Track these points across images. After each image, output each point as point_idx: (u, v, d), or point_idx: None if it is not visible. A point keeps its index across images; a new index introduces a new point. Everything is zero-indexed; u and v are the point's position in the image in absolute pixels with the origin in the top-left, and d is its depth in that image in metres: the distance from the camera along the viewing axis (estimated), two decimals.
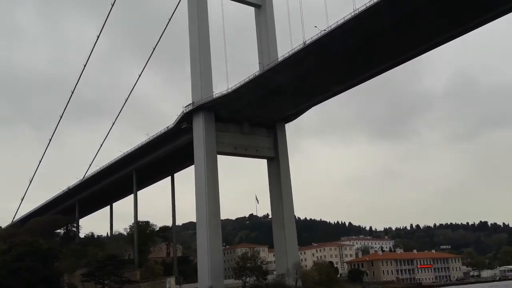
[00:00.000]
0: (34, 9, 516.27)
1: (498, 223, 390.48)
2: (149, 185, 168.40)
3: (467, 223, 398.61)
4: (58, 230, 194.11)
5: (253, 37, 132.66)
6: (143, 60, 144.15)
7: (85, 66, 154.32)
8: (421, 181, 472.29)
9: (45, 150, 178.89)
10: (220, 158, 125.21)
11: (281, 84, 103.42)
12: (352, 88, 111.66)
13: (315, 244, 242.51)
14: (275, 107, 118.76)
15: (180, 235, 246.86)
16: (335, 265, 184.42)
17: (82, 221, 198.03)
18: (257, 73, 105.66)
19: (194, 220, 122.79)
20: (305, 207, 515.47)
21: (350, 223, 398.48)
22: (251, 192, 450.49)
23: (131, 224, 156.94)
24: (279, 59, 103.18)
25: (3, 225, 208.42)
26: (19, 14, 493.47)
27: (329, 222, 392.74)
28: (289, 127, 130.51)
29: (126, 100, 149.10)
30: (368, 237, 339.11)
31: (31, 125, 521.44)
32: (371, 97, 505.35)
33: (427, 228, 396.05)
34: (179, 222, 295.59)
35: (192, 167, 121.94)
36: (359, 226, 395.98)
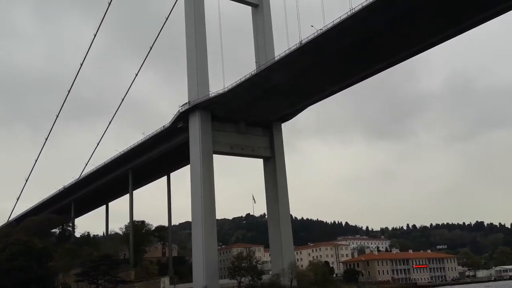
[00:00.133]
0: (31, 8, 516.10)
1: (494, 223, 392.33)
2: (145, 184, 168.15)
3: (464, 223, 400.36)
4: (54, 230, 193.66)
5: (250, 37, 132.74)
6: (140, 60, 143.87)
7: (81, 65, 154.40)
8: (418, 181, 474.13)
9: (41, 150, 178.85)
10: (219, 158, 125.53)
11: (277, 83, 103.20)
12: (350, 88, 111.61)
13: (311, 244, 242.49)
14: (271, 107, 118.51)
15: (176, 235, 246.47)
16: (331, 265, 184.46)
17: (78, 221, 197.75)
18: (253, 73, 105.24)
19: (190, 220, 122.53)
20: (302, 207, 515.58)
21: (346, 223, 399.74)
22: (248, 192, 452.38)
23: (126, 223, 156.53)
24: (275, 59, 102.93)
25: None
26: (16, 14, 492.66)
27: (326, 222, 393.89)
28: (286, 126, 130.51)
29: (122, 100, 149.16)
30: (364, 237, 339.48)
31: (28, 125, 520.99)
32: (369, 97, 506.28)
33: (424, 228, 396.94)
34: (175, 221, 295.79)
35: (189, 166, 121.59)
36: (355, 226, 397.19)
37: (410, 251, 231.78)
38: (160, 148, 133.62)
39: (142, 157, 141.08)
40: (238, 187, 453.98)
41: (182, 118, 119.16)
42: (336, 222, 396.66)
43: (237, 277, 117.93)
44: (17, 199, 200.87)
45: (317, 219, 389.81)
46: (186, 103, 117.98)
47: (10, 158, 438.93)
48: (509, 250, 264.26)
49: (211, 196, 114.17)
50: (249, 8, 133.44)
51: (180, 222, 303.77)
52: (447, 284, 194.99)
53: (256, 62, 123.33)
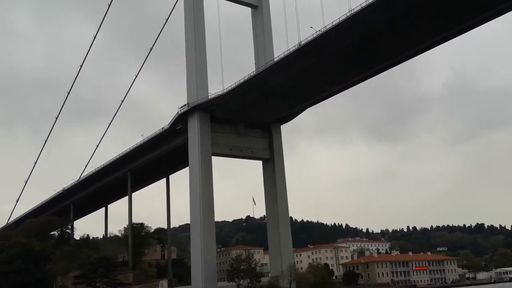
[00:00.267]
0: (32, 9, 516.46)
1: (494, 225, 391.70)
2: (145, 186, 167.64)
3: (464, 225, 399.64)
4: (53, 232, 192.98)
5: (250, 38, 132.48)
6: (140, 61, 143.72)
7: (81, 66, 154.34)
8: (418, 182, 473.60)
9: (41, 151, 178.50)
10: (219, 160, 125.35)
11: (276, 85, 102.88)
12: (349, 89, 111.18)
13: (311, 246, 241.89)
14: (271, 108, 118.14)
15: (176, 237, 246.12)
16: (330, 268, 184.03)
17: (77, 223, 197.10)
18: (252, 74, 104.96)
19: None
20: (302, 208, 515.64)
21: (347, 225, 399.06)
22: (248, 194, 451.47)
23: (126, 226, 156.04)
24: (274, 60, 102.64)
25: None
26: (17, 15, 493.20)
27: (326, 224, 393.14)
28: (285, 128, 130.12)
29: (122, 101, 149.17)
30: (364, 239, 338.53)
31: (28, 126, 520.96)
32: (368, 98, 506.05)
33: (424, 230, 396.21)
34: (175, 224, 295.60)
35: (188, 168, 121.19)
36: (356, 228, 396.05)
37: (410, 253, 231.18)
38: (159, 150, 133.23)
39: (141, 159, 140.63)
40: (239, 189, 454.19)
41: (181, 120, 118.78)
42: (336, 224, 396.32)
43: (236, 279, 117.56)
44: (17, 201, 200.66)
45: (317, 221, 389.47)
46: (185, 104, 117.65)
47: (11, 160, 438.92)
48: (509, 252, 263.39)
49: (210, 198, 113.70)
50: (248, 9, 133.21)
51: (180, 224, 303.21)
52: (447, 286, 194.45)
53: (255, 64, 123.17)
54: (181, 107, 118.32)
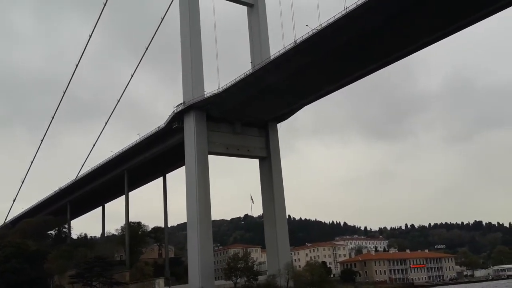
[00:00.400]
0: (30, 10, 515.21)
1: (492, 223, 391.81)
2: (142, 185, 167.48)
3: (462, 222, 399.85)
4: (50, 232, 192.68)
5: (246, 37, 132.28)
6: (137, 60, 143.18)
7: (77, 66, 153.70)
8: (417, 181, 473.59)
9: (37, 151, 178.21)
10: (218, 158, 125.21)
11: (272, 83, 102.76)
12: (347, 88, 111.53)
13: (308, 244, 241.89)
14: (267, 107, 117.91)
15: (174, 236, 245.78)
16: (328, 266, 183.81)
17: (75, 222, 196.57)
18: (248, 72, 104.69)
19: None
20: (300, 207, 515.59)
21: (345, 223, 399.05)
22: (246, 192, 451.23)
23: (123, 225, 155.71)
24: (270, 58, 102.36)
25: None
26: (15, 15, 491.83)
27: (324, 222, 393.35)
28: (283, 127, 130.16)
29: (118, 100, 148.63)
30: (362, 237, 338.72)
31: (28, 126, 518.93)
32: (366, 96, 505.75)
33: (422, 227, 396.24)
34: (173, 223, 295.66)
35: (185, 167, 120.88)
36: (354, 226, 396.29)
37: (408, 251, 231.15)
38: (155, 148, 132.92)
39: (137, 158, 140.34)
40: (237, 187, 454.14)
41: (177, 119, 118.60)
42: (335, 222, 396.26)
43: (233, 278, 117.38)
44: (14, 200, 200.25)
45: (315, 219, 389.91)
46: (181, 103, 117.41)
47: (9, 159, 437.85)
48: (507, 250, 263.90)
49: (207, 197, 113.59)
50: (244, 8, 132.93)
51: (179, 223, 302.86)
52: (444, 284, 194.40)
53: (251, 62, 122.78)
54: (176, 106, 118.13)
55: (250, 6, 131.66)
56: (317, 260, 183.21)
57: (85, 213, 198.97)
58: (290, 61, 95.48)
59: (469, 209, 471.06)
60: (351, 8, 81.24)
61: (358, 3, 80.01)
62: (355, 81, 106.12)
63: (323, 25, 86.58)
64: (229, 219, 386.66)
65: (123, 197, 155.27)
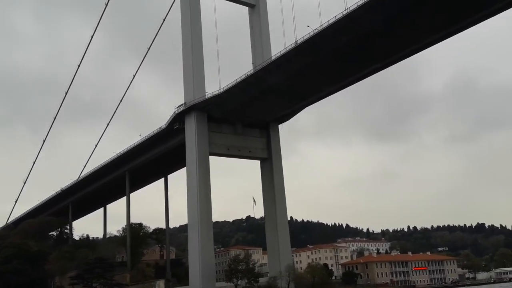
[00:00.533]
0: (31, 10, 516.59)
1: (495, 225, 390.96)
2: (143, 186, 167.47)
3: (465, 225, 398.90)
4: (52, 232, 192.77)
5: (247, 37, 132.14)
6: (139, 61, 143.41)
7: (79, 66, 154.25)
8: (419, 182, 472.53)
9: (39, 151, 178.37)
10: (220, 159, 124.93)
11: (273, 84, 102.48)
12: (349, 89, 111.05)
13: (310, 246, 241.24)
14: (268, 107, 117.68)
15: (176, 237, 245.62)
16: (330, 268, 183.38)
17: (77, 223, 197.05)
18: (249, 73, 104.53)
19: None
20: (302, 208, 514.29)
21: (347, 225, 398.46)
22: (249, 194, 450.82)
23: (124, 226, 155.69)
24: (271, 59, 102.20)
25: None
26: (16, 15, 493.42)
27: (327, 224, 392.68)
28: (285, 128, 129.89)
29: (120, 101, 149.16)
30: (364, 239, 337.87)
31: (28, 126, 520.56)
32: (369, 97, 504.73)
33: (425, 230, 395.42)
34: (175, 224, 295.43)
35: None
36: (356, 228, 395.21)
37: (410, 253, 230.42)
38: (157, 149, 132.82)
39: (139, 158, 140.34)
40: (239, 188, 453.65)
41: (178, 120, 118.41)
42: (337, 224, 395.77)
43: (234, 279, 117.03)
44: (16, 201, 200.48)
45: (318, 221, 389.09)
46: (182, 104, 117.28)
47: (10, 160, 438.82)
48: (510, 252, 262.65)
49: (208, 198, 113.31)
50: (246, 8, 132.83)
51: (181, 224, 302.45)
52: (446, 286, 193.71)
53: (252, 63, 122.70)
54: (178, 107, 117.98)
55: (251, 6, 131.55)
56: (319, 262, 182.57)
57: (86, 214, 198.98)
58: (291, 62, 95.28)
59: (471, 211, 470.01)
60: (351, 8, 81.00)
61: (359, 3, 79.74)
62: (356, 82, 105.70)
63: (324, 25, 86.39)
64: (231, 220, 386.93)
65: (124, 198, 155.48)
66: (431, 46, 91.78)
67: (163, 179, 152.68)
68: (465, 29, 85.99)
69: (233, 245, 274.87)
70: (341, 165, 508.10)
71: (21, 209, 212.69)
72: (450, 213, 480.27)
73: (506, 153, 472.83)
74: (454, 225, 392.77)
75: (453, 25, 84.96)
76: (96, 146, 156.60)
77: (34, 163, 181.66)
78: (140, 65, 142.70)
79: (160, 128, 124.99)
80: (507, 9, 79.98)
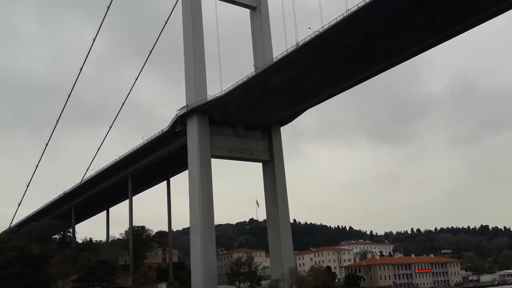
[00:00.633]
0: (33, 12, 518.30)
1: (499, 227, 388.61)
2: (145, 189, 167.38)
3: (468, 227, 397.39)
4: (55, 236, 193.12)
5: (248, 39, 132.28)
6: (141, 63, 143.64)
7: (81, 69, 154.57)
8: (422, 184, 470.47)
9: (42, 155, 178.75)
10: (223, 162, 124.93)
11: (275, 86, 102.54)
12: (351, 91, 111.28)
13: (313, 249, 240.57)
14: (270, 110, 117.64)
15: (179, 240, 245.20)
16: (333, 270, 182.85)
17: (80, 226, 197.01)
18: (250, 75, 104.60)
19: None
20: (305, 211, 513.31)
21: (350, 227, 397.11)
22: (252, 196, 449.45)
23: (127, 229, 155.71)
24: (272, 61, 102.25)
25: (0, 231, 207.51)
26: (18, 18, 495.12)
27: (330, 226, 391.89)
28: (288, 130, 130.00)
29: (123, 104, 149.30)
30: (367, 241, 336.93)
31: (31, 129, 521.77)
32: (371, 99, 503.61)
33: (428, 232, 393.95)
34: (178, 227, 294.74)
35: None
36: (359, 231, 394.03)
37: (413, 255, 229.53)
38: (159, 152, 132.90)
39: (141, 161, 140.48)
40: (243, 191, 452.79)
41: (180, 122, 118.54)
42: (340, 227, 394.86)
43: (236, 282, 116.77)
44: (19, 205, 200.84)
45: (321, 223, 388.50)
46: (184, 107, 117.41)
47: (13, 163, 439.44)
48: None
49: (210, 200, 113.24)
50: (247, 10, 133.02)
51: (184, 227, 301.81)
52: None
53: (254, 65, 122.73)
54: (179, 109, 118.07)
55: (252, 9, 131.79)
56: (322, 265, 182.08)
57: (89, 217, 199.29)
58: (292, 64, 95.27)
59: (475, 213, 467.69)
60: (352, 10, 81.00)
61: (360, 5, 79.72)
62: (357, 84, 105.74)
63: (325, 27, 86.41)
64: (234, 223, 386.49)
65: (127, 201, 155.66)
66: (432, 48, 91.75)
67: (165, 182, 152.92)
68: (466, 30, 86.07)
69: (236, 248, 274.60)
70: (344, 167, 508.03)
71: (24, 212, 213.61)
72: (454, 215, 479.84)
73: (507, 154, 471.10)
74: (458, 227, 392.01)
75: (454, 26, 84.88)
76: (98, 149, 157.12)
77: (37, 166, 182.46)
78: (143, 68, 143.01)
79: (162, 130, 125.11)
80: (507, 10, 79.87)
